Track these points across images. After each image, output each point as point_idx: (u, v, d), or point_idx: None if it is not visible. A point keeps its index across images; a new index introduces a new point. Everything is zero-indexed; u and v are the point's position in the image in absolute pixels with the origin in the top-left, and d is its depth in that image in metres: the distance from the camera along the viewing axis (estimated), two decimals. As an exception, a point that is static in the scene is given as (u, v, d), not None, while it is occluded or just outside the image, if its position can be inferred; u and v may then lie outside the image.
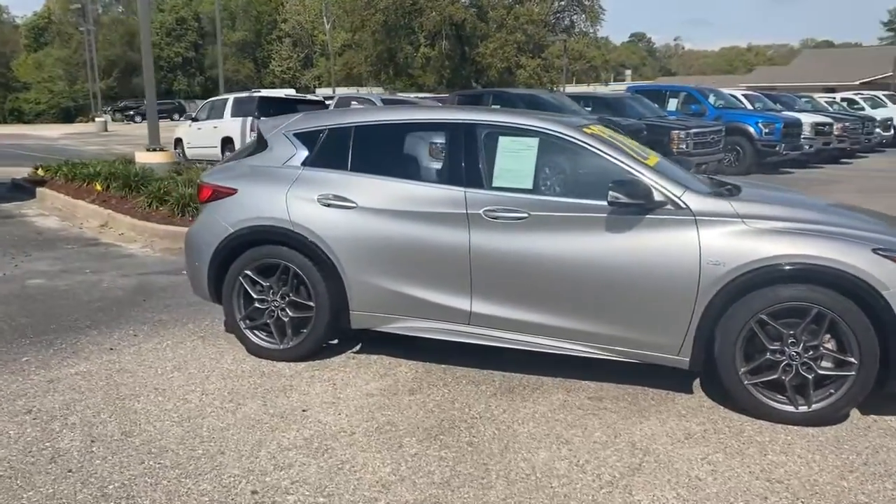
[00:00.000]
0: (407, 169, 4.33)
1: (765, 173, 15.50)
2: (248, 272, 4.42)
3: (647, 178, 3.78)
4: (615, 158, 3.89)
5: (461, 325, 4.12)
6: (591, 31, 56.64)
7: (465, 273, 4.01)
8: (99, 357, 4.52)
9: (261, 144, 4.62)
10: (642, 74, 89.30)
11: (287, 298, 4.39)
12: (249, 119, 14.54)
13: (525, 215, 3.89)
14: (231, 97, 16.10)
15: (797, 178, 15.33)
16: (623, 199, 3.65)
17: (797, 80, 39.98)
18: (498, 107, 13.25)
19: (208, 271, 4.51)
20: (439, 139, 4.30)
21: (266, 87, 46.97)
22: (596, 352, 3.91)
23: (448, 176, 4.13)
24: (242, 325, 4.50)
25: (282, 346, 4.43)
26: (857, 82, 39.35)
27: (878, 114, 24.64)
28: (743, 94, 18.71)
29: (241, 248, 4.41)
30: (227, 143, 15.19)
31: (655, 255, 3.69)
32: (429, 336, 4.20)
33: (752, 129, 15.59)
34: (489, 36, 53.20)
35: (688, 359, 3.74)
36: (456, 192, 4.05)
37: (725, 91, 18.83)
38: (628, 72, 74.52)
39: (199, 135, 16.27)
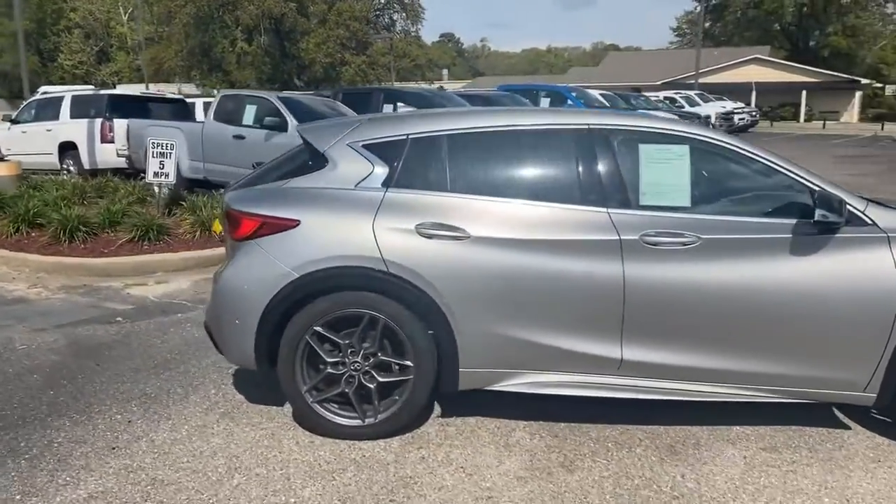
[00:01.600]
0: (525, 186, 3.47)
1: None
2: (318, 328, 3.35)
3: (835, 191, 3.29)
4: (785, 168, 3.37)
5: (608, 377, 3.39)
6: (413, 29, 56.79)
7: (615, 313, 3.28)
8: (105, 463, 3.20)
9: (316, 160, 3.53)
10: (454, 74, 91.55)
11: (373, 359, 3.38)
12: (99, 122, 12.41)
13: (693, 240, 3.23)
14: (68, 94, 13.65)
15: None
16: (831, 217, 3.13)
17: (607, 81, 42.60)
18: (407, 109, 12.44)
19: (259, 330, 3.36)
20: (560, 148, 3.50)
21: (56, 84, 41.91)
22: (769, 395, 3.37)
23: (583, 194, 3.36)
24: (310, 398, 3.41)
25: (365, 422, 3.41)
26: (660, 82, 42.87)
27: (698, 111, 26.88)
28: (601, 94, 19.34)
29: (307, 298, 3.32)
30: (66, 149, 12.84)
31: (847, 279, 3.21)
32: (562, 392, 3.42)
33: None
34: (311, 31, 51.43)
35: (874, 395, 3.31)
36: (598, 213, 3.30)
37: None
38: (445, 71, 75.81)
39: (24, 139, 13.62)
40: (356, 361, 3.39)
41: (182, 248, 7.17)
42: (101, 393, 3.98)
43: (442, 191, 3.39)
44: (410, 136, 3.48)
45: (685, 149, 3.40)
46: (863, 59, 53.61)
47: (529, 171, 3.51)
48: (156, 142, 7.81)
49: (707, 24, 55.22)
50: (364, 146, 3.49)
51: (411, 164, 3.43)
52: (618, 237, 3.24)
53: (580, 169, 3.39)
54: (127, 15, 59.90)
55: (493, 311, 3.30)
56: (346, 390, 3.40)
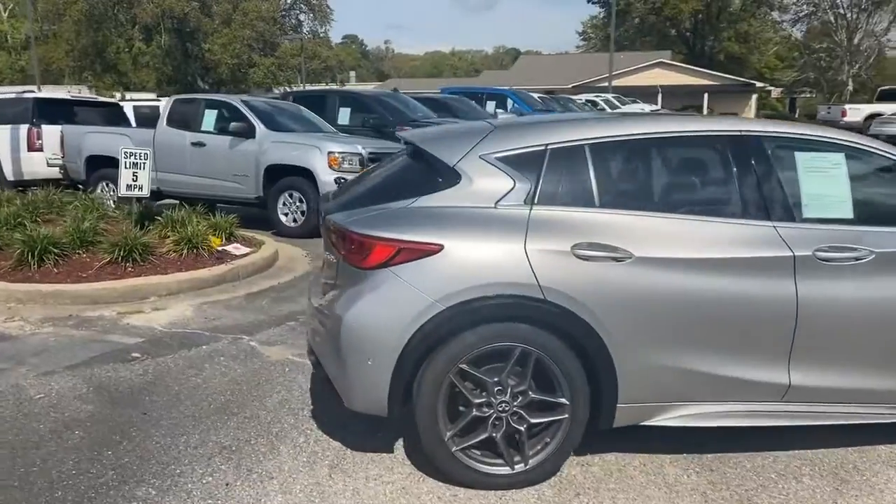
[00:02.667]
0: (683, 199, 3.19)
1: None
2: (464, 366, 2.94)
3: None
4: None
5: (772, 404, 3.16)
6: (322, 30, 55.53)
7: (785, 335, 3.06)
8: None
9: (444, 175, 3.10)
10: (360, 76, 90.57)
11: (523, 398, 3.01)
12: (25, 128, 11.22)
13: (866, 254, 3.05)
14: (-17, 98, 12.32)
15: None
16: None
17: (520, 83, 43.25)
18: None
19: (395, 371, 2.92)
20: (715, 156, 3.23)
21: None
22: None
23: (744, 207, 3.11)
24: (452, 446, 2.99)
25: (514, 469, 3.03)
26: (571, 86, 43.85)
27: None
28: (540, 97, 19.41)
29: (453, 332, 2.91)
30: (-17, 159, 11.56)
31: None
32: (723, 423, 3.16)
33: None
34: (215, 31, 49.32)
35: None
36: (765, 228, 3.07)
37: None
38: (352, 73, 74.77)
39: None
40: (504, 401, 3.00)
41: (172, 268, 6.46)
42: (170, 450, 3.40)
43: (590, 206, 3.05)
44: (550, 147, 3.12)
45: (840, 157, 3.22)
46: (755, 64, 56.92)
47: (685, 182, 3.25)
48: (129, 151, 7.02)
49: (609, 29, 57.03)
50: (499, 159, 3.10)
51: (553, 178, 3.08)
52: (791, 253, 3.02)
53: (738, 179, 3.14)
54: (7, 11, 55.59)
55: (657, 339, 3.00)
56: (494, 435, 3.01)
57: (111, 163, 10.25)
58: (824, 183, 3.18)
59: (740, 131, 3.22)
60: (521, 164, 3.09)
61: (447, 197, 3.05)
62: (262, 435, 3.56)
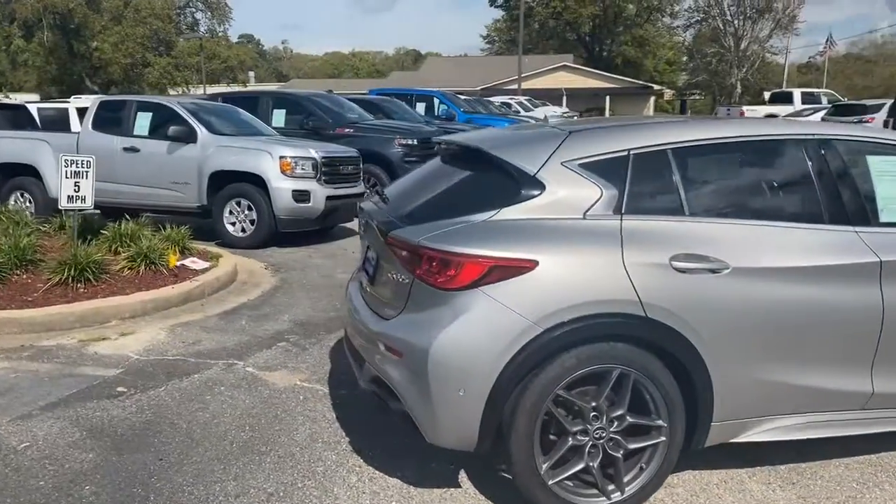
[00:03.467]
0: (770, 206, 3.08)
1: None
2: (561, 392, 2.71)
3: None
4: None
5: (853, 412, 3.10)
6: (220, 29, 53.53)
7: (870, 342, 3.00)
8: None
9: (525, 184, 2.84)
10: (258, 77, 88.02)
11: (621, 422, 2.81)
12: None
13: (942, 258, 3.04)
14: None
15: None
16: None
17: (429, 85, 43.34)
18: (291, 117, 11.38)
19: (489, 401, 2.64)
20: (796, 160, 3.13)
21: None
22: None
23: (827, 212, 3.02)
24: (549, 479, 2.75)
25: (611, 499, 2.83)
26: (479, 88, 44.29)
27: (535, 115, 27.97)
28: (465, 100, 19.35)
29: (550, 357, 2.67)
30: None
31: None
32: (807, 435, 3.08)
33: (502, 133, 16.14)
34: (105, 29, 46.55)
35: None
36: (848, 233, 3.00)
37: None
38: (251, 73, 72.49)
39: None
40: (600, 427, 2.79)
41: (130, 288, 5.84)
42: (209, 502, 2.97)
43: (679, 215, 2.89)
44: (632, 152, 2.93)
45: (911, 159, 3.20)
46: (649, 68, 59.48)
47: (769, 188, 3.12)
48: (70, 159, 6.30)
49: (512, 32, 58.04)
50: (581, 166, 2.88)
51: (639, 185, 2.89)
52: (878, 259, 2.96)
53: (820, 184, 3.06)
54: None
55: (752, 352, 2.88)
56: (591, 464, 2.79)
57: (26, 171, 9.39)
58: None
59: (813, 135, 3.15)
60: (604, 170, 2.88)
61: (532, 208, 2.80)
62: (307, 476, 3.18)
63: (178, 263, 6.43)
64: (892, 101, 21.82)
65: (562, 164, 2.87)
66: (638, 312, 2.70)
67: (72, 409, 3.87)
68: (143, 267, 6.14)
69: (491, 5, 60.36)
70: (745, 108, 28.45)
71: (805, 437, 3.08)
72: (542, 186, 2.83)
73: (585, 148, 2.94)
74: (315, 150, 8.59)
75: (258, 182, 8.32)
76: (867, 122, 21.21)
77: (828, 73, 47.52)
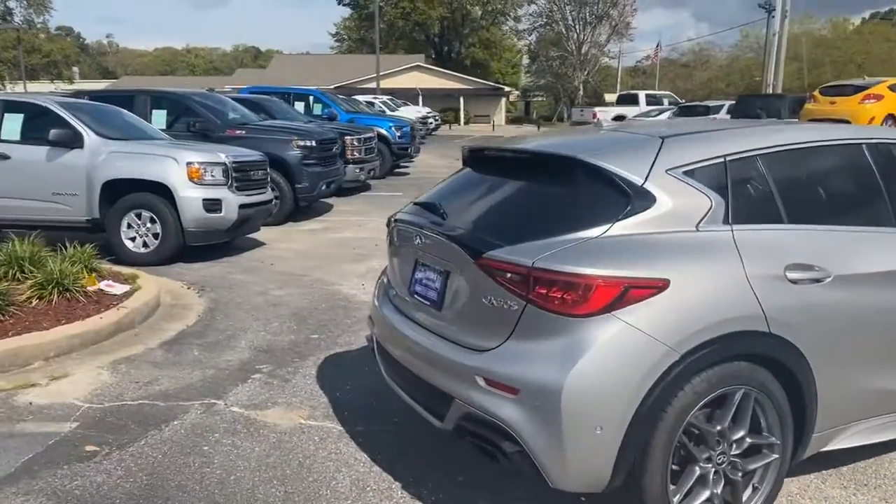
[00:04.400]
0: (856, 210, 3.06)
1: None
2: (692, 419, 2.51)
3: None
4: None
5: (924, 409, 3.16)
6: (38, 20, 48.43)
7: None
8: None
9: (635, 196, 2.59)
10: (83, 73, 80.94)
11: (740, 444, 2.66)
12: None
13: None
14: None
15: (413, 177, 16.14)
16: None
17: (279, 83, 41.96)
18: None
19: (626, 437, 2.39)
20: (883, 165, 3.13)
21: None
22: None
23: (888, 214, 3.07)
24: (680, 515, 2.55)
25: (733, 527, 2.68)
26: (333, 86, 43.43)
27: (400, 114, 27.81)
28: (343, 99, 18.75)
29: (684, 382, 2.46)
30: None
31: None
32: (880, 439, 3.09)
33: (387, 133, 15.80)
34: None
35: None
36: (939, 235, 3.05)
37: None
38: (75, 69, 66.37)
39: None
40: (722, 452, 2.63)
41: (46, 320, 4.94)
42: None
43: (779, 223, 2.79)
44: (728, 158, 2.79)
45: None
46: (495, 70, 61.31)
47: (857, 191, 3.11)
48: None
49: (362, 31, 57.61)
50: (685, 174, 2.70)
51: (739, 193, 2.76)
52: (944, 260, 3.03)
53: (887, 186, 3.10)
54: None
55: (853, 359, 2.87)
56: (715, 491, 2.62)
57: None
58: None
59: (872, 138, 3.18)
60: (707, 178, 2.72)
61: (645, 221, 2.58)
62: (380, 536, 2.76)
63: (95, 288, 5.56)
64: (732, 102, 23.91)
65: (667, 171, 2.68)
66: (762, 328, 2.56)
67: (41, 481, 3.14)
68: (55, 295, 5.23)
69: (339, 3, 59.45)
70: (597, 109, 30.00)
71: (883, 440, 3.10)
72: (652, 197, 2.61)
73: (684, 154, 2.76)
74: (224, 155, 7.83)
75: (162, 191, 7.44)
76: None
77: (658, 77, 51.41)
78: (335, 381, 4.35)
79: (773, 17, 29.58)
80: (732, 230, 2.66)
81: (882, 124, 15.45)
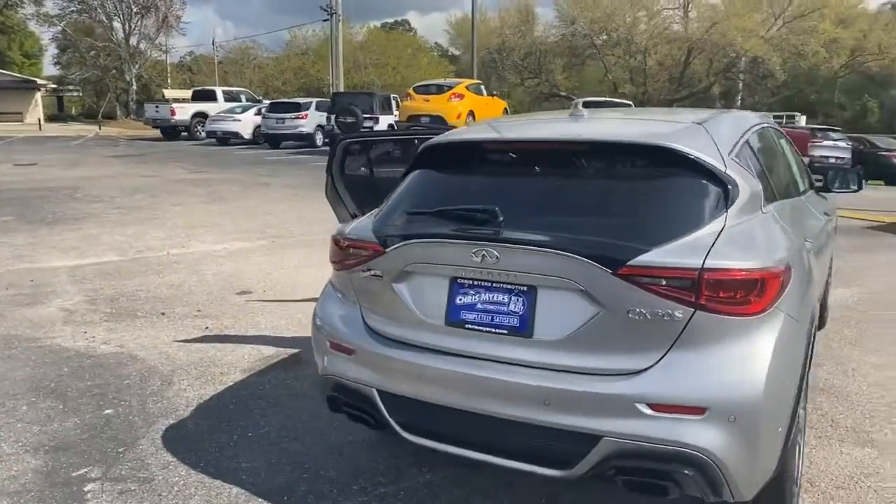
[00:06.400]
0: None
1: None
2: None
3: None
4: None
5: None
6: None
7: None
8: None
9: (724, 184, 2.42)
10: None
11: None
12: None
13: None
14: None
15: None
16: None
17: None
18: None
19: (789, 427, 2.34)
20: None
21: None
22: None
23: None
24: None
25: (795, 486, 2.83)
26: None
27: None
28: None
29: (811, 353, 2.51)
30: None
31: None
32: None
33: None
34: None
35: None
36: None
37: None
38: None
39: None
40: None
41: None
42: None
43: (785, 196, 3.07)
44: (747, 140, 2.90)
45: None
46: (15, 59, 52.23)
47: None
48: None
49: None
50: (736, 157, 2.69)
51: (763, 172, 2.91)
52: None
53: None
54: None
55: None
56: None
57: None
58: None
59: None
60: (746, 159, 2.78)
61: (742, 209, 2.47)
62: None
63: None
64: (320, 100, 24.89)
65: (730, 156, 2.63)
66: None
67: None
68: None
69: None
70: (174, 106, 28.07)
71: None
72: (734, 184, 2.53)
73: (726, 137, 2.75)
74: None
75: None
76: (302, 118, 23.71)
77: (217, 73, 50.26)
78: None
79: (335, 19, 31.52)
80: (773, 210, 2.77)
81: (465, 122, 17.87)
